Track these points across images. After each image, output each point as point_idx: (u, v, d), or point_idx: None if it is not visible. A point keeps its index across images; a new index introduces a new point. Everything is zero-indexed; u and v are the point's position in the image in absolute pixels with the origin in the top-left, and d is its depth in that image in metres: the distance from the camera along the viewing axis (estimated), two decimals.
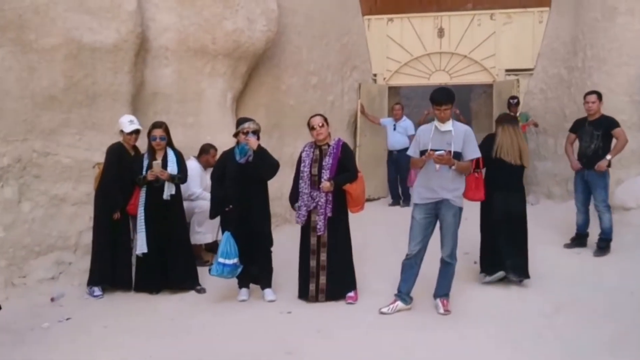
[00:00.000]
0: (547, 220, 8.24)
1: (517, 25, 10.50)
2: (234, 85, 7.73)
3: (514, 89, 10.12)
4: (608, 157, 6.41)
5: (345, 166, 5.26)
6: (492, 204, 5.41)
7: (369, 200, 9.94)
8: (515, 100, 9.61)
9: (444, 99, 4.71)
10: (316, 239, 5.29)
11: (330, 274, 5.26)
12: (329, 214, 5.21)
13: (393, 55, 10.94)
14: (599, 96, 6.65)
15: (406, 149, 8.93)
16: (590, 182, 6.60)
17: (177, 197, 5.68)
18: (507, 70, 10.62)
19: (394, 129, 9.92)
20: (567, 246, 6.84)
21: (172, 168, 5.59)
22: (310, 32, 9.18)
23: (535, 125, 9.67)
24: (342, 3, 10.30)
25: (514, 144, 5.42)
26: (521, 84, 10.30)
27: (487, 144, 5.48)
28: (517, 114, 9.63)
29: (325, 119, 5.31)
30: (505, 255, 5.43)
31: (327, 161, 5.20)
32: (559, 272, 5.96)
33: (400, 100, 13.17)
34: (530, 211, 9.02)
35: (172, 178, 5.53)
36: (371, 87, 10.85)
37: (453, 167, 4.62)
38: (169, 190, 5.51)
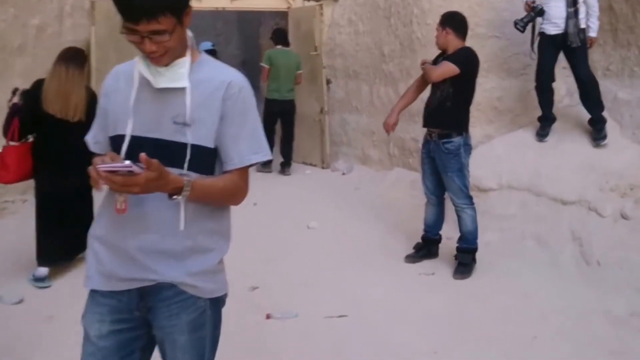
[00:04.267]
0: (370, 202, 5.90)
1: None
2: None
3: (316, 19, 7.49)
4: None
5: None
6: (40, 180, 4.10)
7: None
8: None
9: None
10: None
11: None
12: None
13: None
14: (447, 22, 4.22)
15: None
16: (436, 160, 4.24)
17: None
18: None
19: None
20: (411, 259, 4.44)
21: None
22: None
23: (328, 83, 7.41)
24: None
25: (61, 90, 4.00)
26: (325, 13, 7.69)
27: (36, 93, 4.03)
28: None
29: None
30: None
31: None
32: (400, 316, 3.53)
33: None
34: (344, 185, 6.73)
35: None
36: (113, 8, 7.35)
37: (179, 197, 1.54)
38: None
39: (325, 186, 6.80)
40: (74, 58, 4.18)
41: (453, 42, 4.17)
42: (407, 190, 5.99)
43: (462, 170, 4.16)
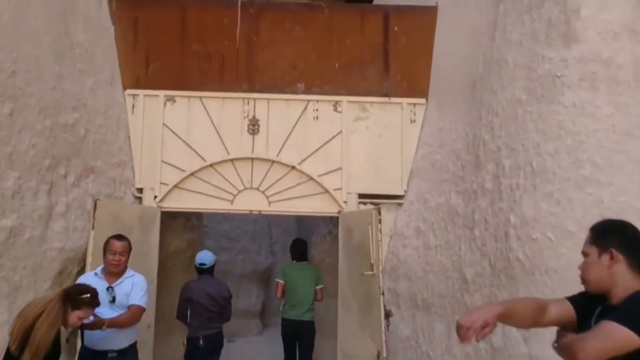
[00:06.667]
0: None
1: (377, 122, 6.39)
2: None
3: (373, 227, 5.70)
4: None
5: None
6: None
7: None
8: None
9: None
10: None
11: None
12: None
13: (173, 158, 6.27)
14: (612, 240, 2.18)
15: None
16: None
17: None
18: (361, 196, 6.30)
19: (111, 299, 4.29)
20: None
21: None
22: None
23: (388, 316, 5.39)
24: (84, 58, 5.56)
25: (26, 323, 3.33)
26: (385, 218, 5.93)
27: None
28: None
29: None
30: None
31: None
32: None
33: (202, 239, 8.39)
34: None
35: None
36: (124, 208, 5.90)
37: None
38: None
39: None
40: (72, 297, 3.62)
41: (624, 281, 2.07)
42: None
43: None
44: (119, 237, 4.48)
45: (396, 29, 6.29)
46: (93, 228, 5.44)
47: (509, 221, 4.41)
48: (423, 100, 6.30)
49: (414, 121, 6.32)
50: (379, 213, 5.67)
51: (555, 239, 4.07)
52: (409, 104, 6.34)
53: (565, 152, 4.14)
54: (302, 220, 13.08)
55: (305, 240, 6.95)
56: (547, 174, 4.21)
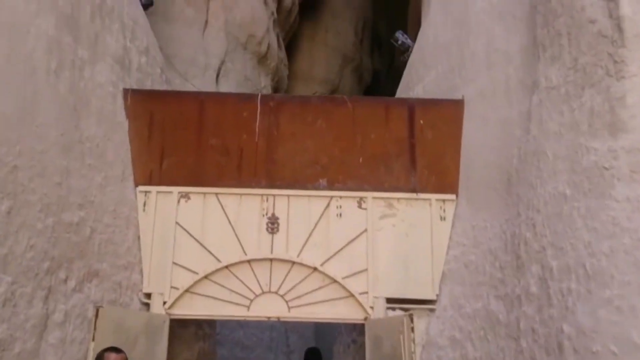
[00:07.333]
0: None
1: (405, 220, 5.98)
2: None
3: (405, 336, 5.12)
4: None
5: None
6: None
7: None
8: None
9: None
10: None
11: None
12: None
13: (185, 259, 5.86)
14: None
15: None
16: None
17: None
18: (389, 300, 5.77)
19: None
20: None
21: None
22: None
23: None
24: (94, 153, 5.32)
25: None
26: (417, 325, 5.36)
27: None
28: None
29: None
30: None
31: None
32: None
33: (214, 349, 7.80)
34: None
35: None
36: (129, 316, 5.42)
37: None
38: None
39: None
40: None
41: None
42: None
43: None
44: (116, 349, 3.98)
45: (422, 122, 6.04)
46: (94, 339, 4.91)
47: (562, 331, 3.86)
48: (453, 196, 5.91)
49: (444, 218, 5.90)
50: (412, 320, 5.09)
51: (620, 352, 3.51)
52: (438, 200, 5.95)
53: (622, 251, 3.65)
54: (321, 326, 12.38)
55: (319, 349, 6.32)
56: (604, 277, 3.70)
